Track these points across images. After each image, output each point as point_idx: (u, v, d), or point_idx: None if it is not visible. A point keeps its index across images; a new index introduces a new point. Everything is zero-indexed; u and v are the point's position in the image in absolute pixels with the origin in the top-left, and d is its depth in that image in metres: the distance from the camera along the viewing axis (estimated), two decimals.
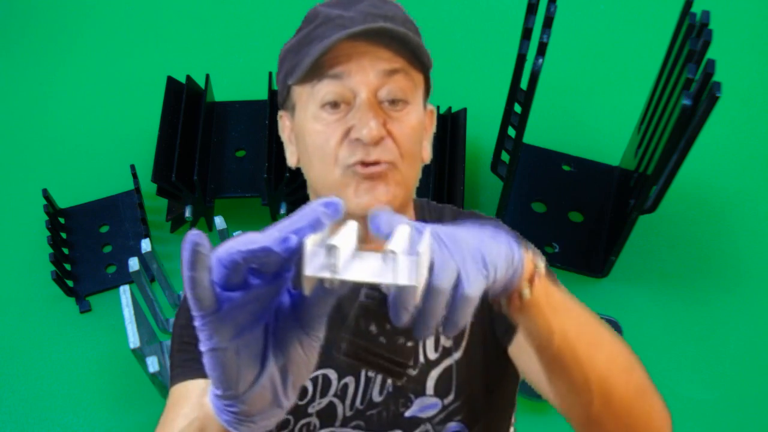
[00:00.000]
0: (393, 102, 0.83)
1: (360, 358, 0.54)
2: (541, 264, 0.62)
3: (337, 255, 0.48)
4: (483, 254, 0.54)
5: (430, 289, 0.50)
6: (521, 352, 0.88)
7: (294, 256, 0.49)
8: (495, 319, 0.91)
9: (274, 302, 0.53)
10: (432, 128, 0.92)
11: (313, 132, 0.84)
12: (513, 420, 1.03)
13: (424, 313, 0.51)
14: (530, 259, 0.61)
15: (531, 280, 0.60)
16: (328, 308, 0.53)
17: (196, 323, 0.50)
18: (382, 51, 0.82)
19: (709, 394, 1.98)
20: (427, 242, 0.50)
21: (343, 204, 0.51)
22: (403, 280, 0.48)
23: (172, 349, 0.90)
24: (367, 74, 0.81)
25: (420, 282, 0.48)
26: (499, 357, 0.92)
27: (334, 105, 0.82)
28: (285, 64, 0.87)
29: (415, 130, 0.85)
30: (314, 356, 0.56)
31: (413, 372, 0.54)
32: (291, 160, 0.92)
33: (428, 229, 0.51)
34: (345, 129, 0.82)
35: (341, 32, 0.79)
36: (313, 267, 0.48)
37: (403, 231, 0.51)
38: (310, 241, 0.48)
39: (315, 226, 0.49)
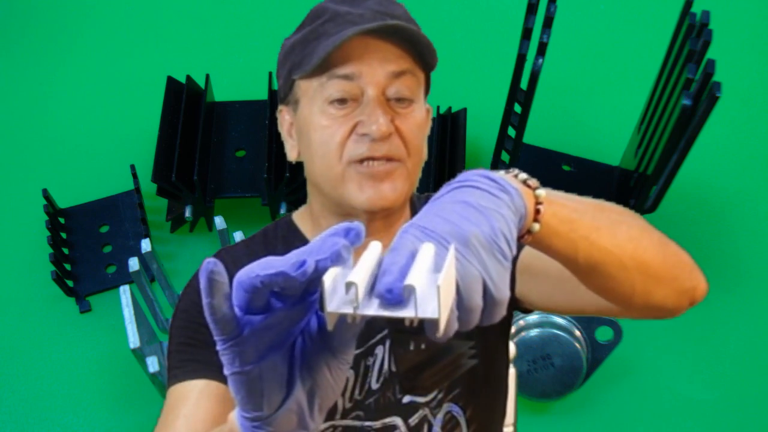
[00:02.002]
0: (399, 100, 0.84)
1: (426, 382, 0.53)
2: (541, 191, 0.61)
3: (357, 291, 0.47)
4: (496, 239, 0.52)
5: (462, 309, 0.49)
6: (531, 284, 0.87)
7: (312, 281, 0.48)
8: None
9: (299, 325, 0.53)
10: (429, 126, 0.94)
11: (319, 127, 0.84)
12: (513, 420, 1.03)
13: (461, 325, 0.50)
14: (529, 194, 0.60)
15: (537, 213, 0.59)
16: (357, 333, 0.53)
17: (219, 347, 0.50)
18: (391, 49, 0.82)
19: (709, 394, 1.98)
20: (449, 271, 0.49)
21: (364, 229, 0.50)
22: (423, 313, 0.47)
23: (169, 349, 0.90)
24: (376, 74, 0.82)
25: (443, 314, 0.47)
26: (490, 339, 0.92)
27: (342, 101, 0.83)
28: (290, 58, 0.87)
29: (420, 127, 0.86)
30: (342, 380, 0.55)
31: (469, 345, 0.52)
32: (291, 154, 0.92)
33: (451, 254, 0.49)
34: (352, 125, 0.83)
35: (353, 28, 0.80)
36: (333, 304, 0.48)
37: (425, 256, 0.50)
38: (330, 276, 0.48)
39: (335, 259, 0.48)
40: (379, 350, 0.91)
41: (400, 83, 0.83)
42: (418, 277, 0.47)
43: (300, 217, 0.98)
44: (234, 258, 0.94)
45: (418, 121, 0.86)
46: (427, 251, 0.50)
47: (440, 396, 0.92)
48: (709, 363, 2.04)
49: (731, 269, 2.19)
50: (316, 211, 0.93)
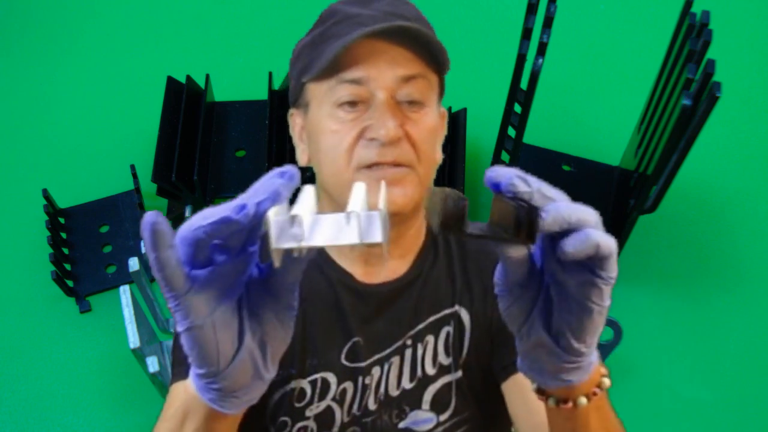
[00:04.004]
0: (410, 103, 0.82)
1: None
2: (606, 380, 0.61)
3: (302, 223, 0.48)
4: None
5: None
6: (514, 397, 0.87)
7: (254, 224, 0.49)
8: (495, 352, 0.91)
9: (243, 277, 0.53)
10: (443, 131, 0.92)
11: (327, 131, 0.82)
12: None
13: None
14: (598, 370, 0.60)
15: (592, 393, 0.60)
16: (299, 277, 0.53)
17: (170, 304, 0.50)
18: (401, 52, 0.80)
19: (709, 394, 1.98)
20: (383, 197, 0.51)
21: (298, 172, 0.51)
22: (368, 238, 0.49)
23: (173, 344, 0.90)
24: (385, 78, 0.80)
25: (386, 237, 0.49)
26: (498, 384, 0.91)
27: (351, 104, 0.81)
28: (300, 60, 0.85)
29: (431, 132, 0.84)
30: (290, 327, 0.55)
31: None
32: (302, 159, 0.90)
33: (383, 187, 0.52)
34: (360, 129, 0.81)
35: (361, 29, 0.78)
36: (280, 239, 0.49)
37: (358, 191, 0.52)
38: (273, 213, 0.48)
39: (275, 198, 0.48)
40: (375, 371, 0.90)
41: (410, 86, 0.81)
42: (356, 203, 0.49)
43: None
44: None
45: (429, 125, 0.83)
46: (359, 187, 0.52)
47: (440, 429, 0.91)
48: (709, 363, 2.04)
49: (731, 269, 2.19)
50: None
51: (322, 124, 0.83)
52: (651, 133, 1.88)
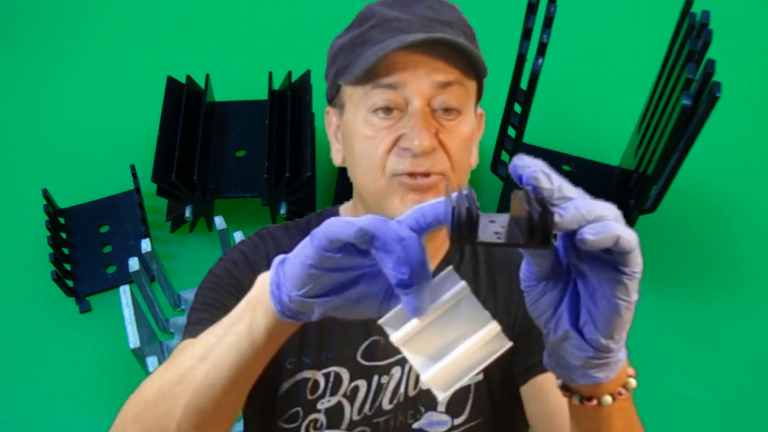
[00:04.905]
0: (446, 110, 0.82)
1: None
2: (633, 381, 0.61)
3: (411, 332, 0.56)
4: None
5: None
6: (533, 400, 0.87)
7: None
8: (516, 354, 0.90)
9: (359, 272, 0.56)
10: (481, 131, 0.92)
11: (362, 137, 0.82)
12: None
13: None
14: (625, 370, 0.60)
15: (617, 392, 0.60)
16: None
17: (328, 247, 0.53)
18: (438, 61, 0.80)
19: (709, 394, 1.98)
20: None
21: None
22: (444, 389, 0.56)
23: (192, 306, 0.89)
24: (421, 84, 0.80)
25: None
26: (517, 389, 0.91)
27: (387, 110, 0.81)
28: (337, 61, 0.85)
29: (466, 141, 0.84)
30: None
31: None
32: (336, 159, 0.91)
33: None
34: (395, 137, 0.81)
35: (398, 39, 0.78)
36: (389, 323, 0.56)
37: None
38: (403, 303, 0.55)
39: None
40: (396, 371, 0.90)
41: (447, 94, 0.80)
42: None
43: (346, 212, 0.96)
44: (275, 237, 0.94)
45: (464, 134, 0.83)
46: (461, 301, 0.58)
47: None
48: (709, 363, 2.03)
49: (731, 269, 2.19)
50: (360, 215, 0.92)
51: (357, 129, 0.83)
52: (651, 133, 1.88)
